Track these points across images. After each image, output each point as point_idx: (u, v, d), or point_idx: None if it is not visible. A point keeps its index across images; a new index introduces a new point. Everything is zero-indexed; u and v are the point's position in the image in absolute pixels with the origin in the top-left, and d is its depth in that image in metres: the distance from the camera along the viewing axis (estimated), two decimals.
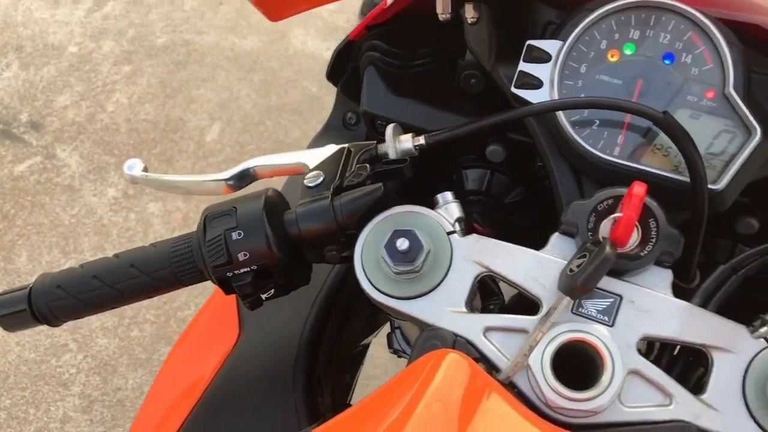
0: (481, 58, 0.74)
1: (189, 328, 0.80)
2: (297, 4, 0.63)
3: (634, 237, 0.57)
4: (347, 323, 0.82)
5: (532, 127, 0.71)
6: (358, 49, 0.84)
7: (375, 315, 0.93)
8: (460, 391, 0.51)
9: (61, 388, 2.00)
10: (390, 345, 0.88)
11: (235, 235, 0.60)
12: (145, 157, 2.45)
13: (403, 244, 0.57)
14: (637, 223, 0.57)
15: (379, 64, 0.81)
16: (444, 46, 0.81)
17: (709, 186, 0.64)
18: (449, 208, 0.63)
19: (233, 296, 0.78)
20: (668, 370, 0.58)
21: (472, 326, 0.57)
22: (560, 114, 0.67)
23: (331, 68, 0.86)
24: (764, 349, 0.54)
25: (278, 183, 0.79)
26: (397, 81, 0.81)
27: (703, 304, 0.58)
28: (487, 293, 0.75)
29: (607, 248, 0.53)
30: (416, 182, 0.69)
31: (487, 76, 0.75)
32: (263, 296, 0.63)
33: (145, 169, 0.81)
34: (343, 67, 0.86)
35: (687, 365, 0.59)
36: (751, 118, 0.63)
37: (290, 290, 0.65)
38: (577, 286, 0.53)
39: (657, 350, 0.65)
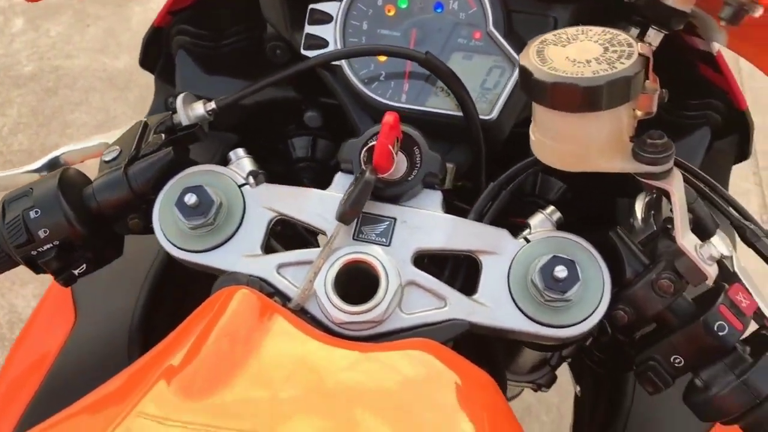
0: (278, 28, 0.79)
1: (32, 316, 0.81)
2: None
3: (403, 164, 0.62)
4: (185, 296, 0.84)
5: (333, 87, 0.76)
6: (167, 35, 0.86)
7: None
8: (250, 321, 0.55)
9: None
10: None
11: (32, 214, 0.62)
12: None
13: (191, 199, 0.61)
14: (404, 151, 0.63)
15: (189, 47, 0.85)
16: (250, 23, 0.85)
17: (483, 117, 0.71)
18: (241, 164, 0.67)
19: None
20: (452, 281, 0.64)
21: (266, 266, 0.61)
22: (348, 71, 0.73)
23: (142, 57, 0.88)
24: (523, 247, 0.61)
25: None
26: (209, 61, 0.85)
27: (478, 220, 0.65)
28: (304, 243, 0.79)
29: (367, 174, 0.58)
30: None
31: (289, 45, 0.80)
32: (75, 272, 0.65)
33: None
34: (156, 54, 0.89)
35: (467, 273, 0.65)
36: (513, 52, 0.70)
37: (102, 264, 0.67)
38: (346, 211, 0.58)
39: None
